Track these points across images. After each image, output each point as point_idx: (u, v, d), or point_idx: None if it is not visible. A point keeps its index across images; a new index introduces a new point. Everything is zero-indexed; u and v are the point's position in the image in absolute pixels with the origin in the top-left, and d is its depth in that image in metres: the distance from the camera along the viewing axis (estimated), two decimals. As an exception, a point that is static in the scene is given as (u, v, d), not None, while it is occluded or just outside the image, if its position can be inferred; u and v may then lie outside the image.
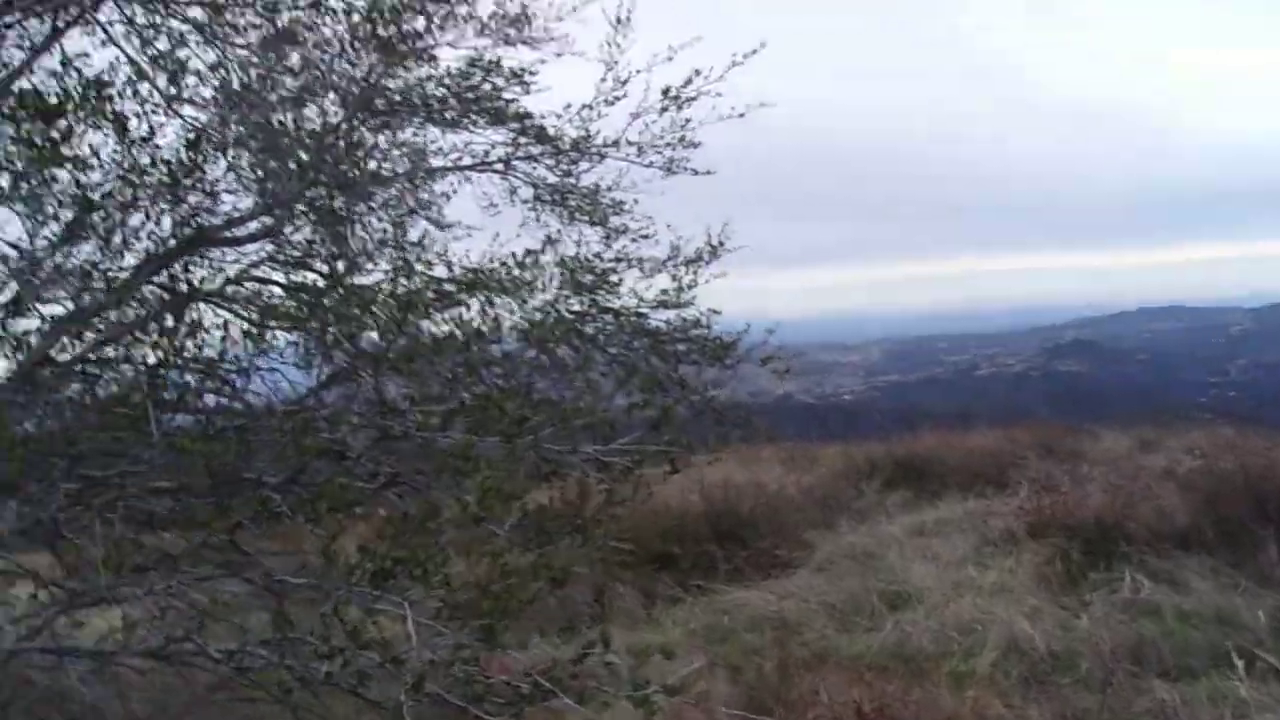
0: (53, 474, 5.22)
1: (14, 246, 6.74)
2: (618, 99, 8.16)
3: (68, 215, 6.68)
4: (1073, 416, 26.29)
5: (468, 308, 7.06)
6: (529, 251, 7.62)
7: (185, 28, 7.61)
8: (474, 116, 8.58)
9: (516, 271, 7.37)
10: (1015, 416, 26.10)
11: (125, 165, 6.87)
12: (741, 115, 8.13)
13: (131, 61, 7.44)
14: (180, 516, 5.32)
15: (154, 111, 7.41)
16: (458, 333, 6.43)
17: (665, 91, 7.96)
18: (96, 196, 6.67)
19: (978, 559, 13.60)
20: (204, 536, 4.94)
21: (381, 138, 8.53)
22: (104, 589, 4.94)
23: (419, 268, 7.84)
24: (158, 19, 7.47)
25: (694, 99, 8.05)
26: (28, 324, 7.01)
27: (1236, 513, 12.58)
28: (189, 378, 6.37)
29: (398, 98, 8.34)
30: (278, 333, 7.34)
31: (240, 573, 5.29)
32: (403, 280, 7.24)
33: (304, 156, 7.97)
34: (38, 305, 6.82)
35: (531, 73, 8.60)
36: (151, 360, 6.39)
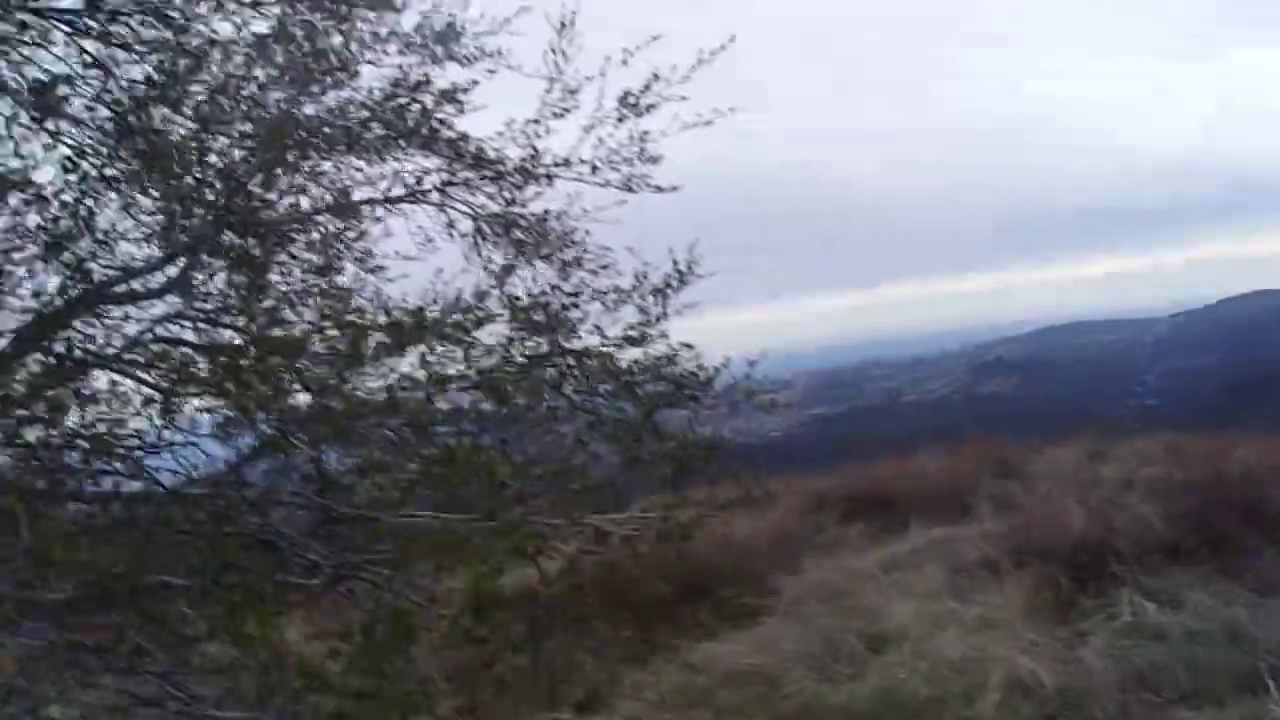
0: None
1: None
2: (566, 111, 6.91)
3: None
4: (1003, 435, 25.16)
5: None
6: (479, 292, 6.34)
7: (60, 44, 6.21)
8: (401, 142, 7.28)
9: (460, 316, 6.06)
10: (948, 439, 24.97)
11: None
12: (709, 123, 6.92)
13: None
14: (62, 643, 3.92)
15: (25, 140, 6.08)
16: (402, 387, 5.11)
17: (625, 97, 6.71)
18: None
19: (954, 591, 12.36)
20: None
21: (298, 173, 7.19)
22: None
23: (350, 316, 6.49)
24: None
25: (654, 106, 6.80)
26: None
27: (1224, 521, 11.46)
28: (84, 460, 4.97)
29: (314, 125, 7.01)
30: (191, 400, 6.08)
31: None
32: (333, 331, 5.92)
33: (211, 195, 6.68)
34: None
35: (464, 90, 7.32)
36: (31, 439, 5.03)
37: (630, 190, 7.03)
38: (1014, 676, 9.54)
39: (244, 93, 6.80)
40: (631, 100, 6.77)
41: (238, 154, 6.93)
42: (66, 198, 6.23)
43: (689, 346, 6.63)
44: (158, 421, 6.12)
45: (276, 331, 6.55)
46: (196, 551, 4.02)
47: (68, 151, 6.30)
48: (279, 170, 7.04)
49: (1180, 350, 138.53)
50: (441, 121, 7.26)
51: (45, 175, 6.23)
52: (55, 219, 6.12)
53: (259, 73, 6.85)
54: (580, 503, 4.57)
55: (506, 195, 7.38)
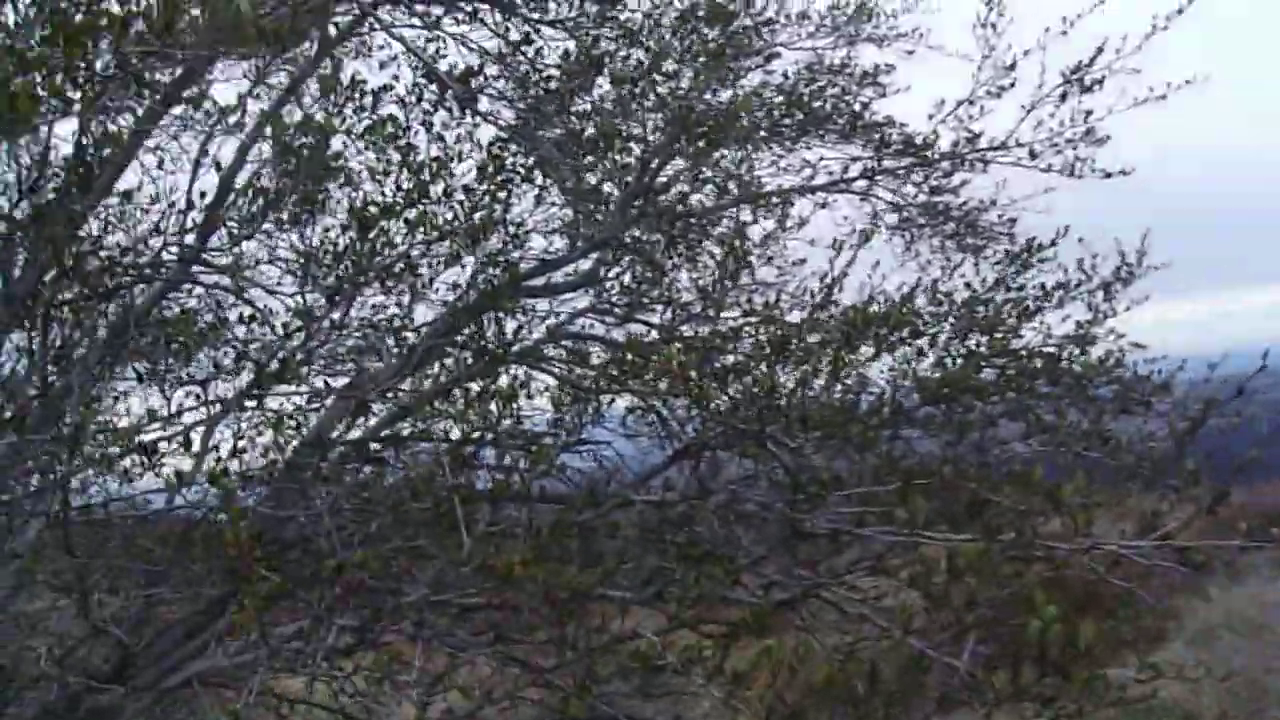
0: (323, 599, 3.46)
1: (273, 294, 5.17)
2: (1002, 90, 6.19)
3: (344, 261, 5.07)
4: None
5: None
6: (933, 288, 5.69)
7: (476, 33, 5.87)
8: (819, 129, 6.70)
9: (900, 313, 5.39)
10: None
11: (412, 195, 5.23)
12: (1162, 97, 6.07)
13: (418, 65, 5.78)
14: (500, 655, 3.46)
15: (446, 127, 5.79)
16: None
17: (1075, 70, 5.93)
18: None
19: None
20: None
21: (711, 162, 6.71)
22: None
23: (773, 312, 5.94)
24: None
25: (1100, 81, 6.00)
26: (298, 398, 5.46)
27: None
28: (510, 459, 4.56)
29: (729, 112, 6.49)
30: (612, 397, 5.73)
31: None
32: (761, 328, 5.38)
33: (622, 187, 6.26)
34: (310, 372, 5.27)
35: (887, 70, 6.71)
36: (455, 435, 4.68)
37: (1074, 175, 6.25)
38: None
39: (658, 77, 6.35)
40: (1076, 75, 5.99)
41: (651, 143, 6.50)
42: (483, 188, 5.90)
43: (1140, 346, 5.82)
44: (575, 418, 5.79)
45: (690, 329, 6.10)
46: (644, 562, 3.51)
47: (486, 139, 6.01)
48: (692, 160, 6.57)
49: None
50: (864, 105, 6.66)
51: (462, 166, 5.96)
52: (472, 209, 5.80)
53: (672, 58, 6.38)
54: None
55: (934, 183, 6.70)
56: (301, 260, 5.14)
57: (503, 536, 3.62)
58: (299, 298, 5.09)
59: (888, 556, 3.27)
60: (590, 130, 6.02)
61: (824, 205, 6.88)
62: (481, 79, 5.59)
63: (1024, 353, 5.54)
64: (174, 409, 5.32)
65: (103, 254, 4.99)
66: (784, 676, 2.71)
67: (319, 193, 5.08)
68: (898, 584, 3.60)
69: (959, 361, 5.40)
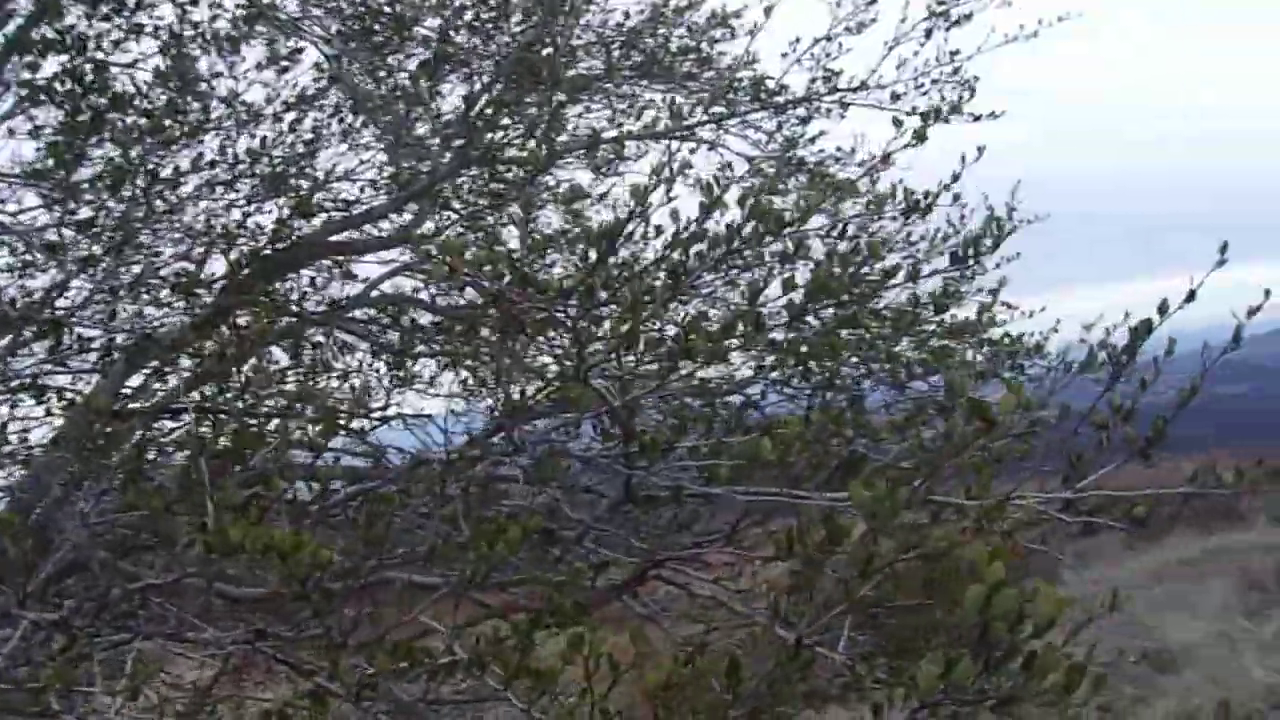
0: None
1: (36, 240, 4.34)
2: (862, 26, 5.61)
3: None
4: (1241, 442, 22.78)
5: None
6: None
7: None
8: (659, 74, 6.06)
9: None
10: (1186, 444, 22.70)
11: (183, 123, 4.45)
12: (1033, 35, 5.56)
13: None
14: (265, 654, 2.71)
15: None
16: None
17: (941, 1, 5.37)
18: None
19: (1245, 608, 10.69)
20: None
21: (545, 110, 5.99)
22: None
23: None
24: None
25: (969, 16, 5.48)
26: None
27: None
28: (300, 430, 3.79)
29: (563, 57, 5.81)
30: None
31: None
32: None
33: (444, 137, 5.55)
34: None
35: (736, 14, 6.06)
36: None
37: (941, 119, 5.66)
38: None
39: (482, 20, 5.65)
40: (940, 8, 5.44)
41: (477, 90, 5.80)
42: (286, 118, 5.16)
43: (1010, 306, 5.29)
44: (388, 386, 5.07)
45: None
46: (444, 540, 2.79)
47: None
48: (523, 109, 5.86)
49: None
50: (711, 45, 6.03)
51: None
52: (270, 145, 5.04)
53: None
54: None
55: (787, 132, 6.08)
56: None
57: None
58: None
59: (745, 525, 2.61)
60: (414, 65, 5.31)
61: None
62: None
63: (886, 313, 4.93)
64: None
65: None
66: (603, 675, 2.02)
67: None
68: (755, 561, 2.95)
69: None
